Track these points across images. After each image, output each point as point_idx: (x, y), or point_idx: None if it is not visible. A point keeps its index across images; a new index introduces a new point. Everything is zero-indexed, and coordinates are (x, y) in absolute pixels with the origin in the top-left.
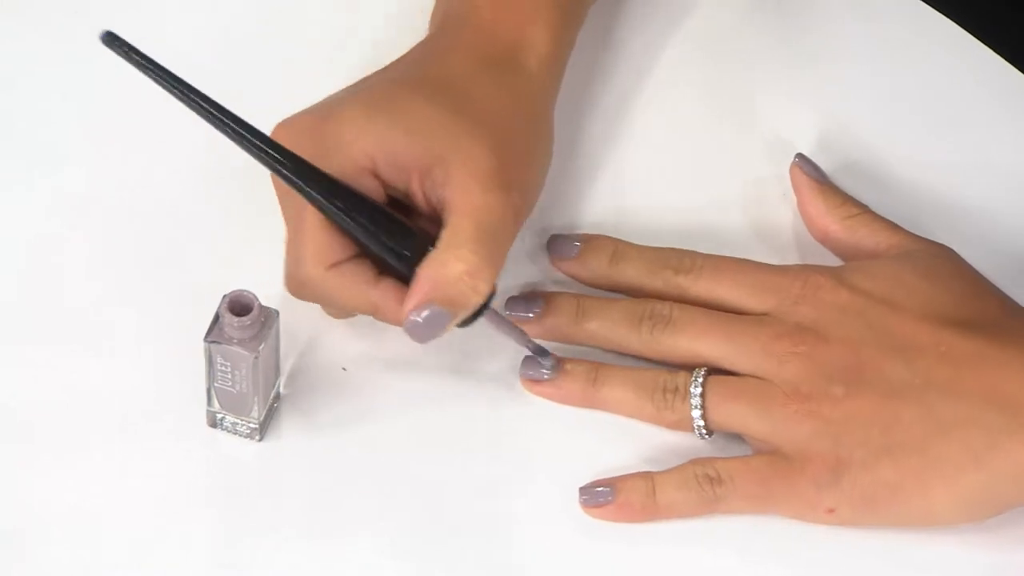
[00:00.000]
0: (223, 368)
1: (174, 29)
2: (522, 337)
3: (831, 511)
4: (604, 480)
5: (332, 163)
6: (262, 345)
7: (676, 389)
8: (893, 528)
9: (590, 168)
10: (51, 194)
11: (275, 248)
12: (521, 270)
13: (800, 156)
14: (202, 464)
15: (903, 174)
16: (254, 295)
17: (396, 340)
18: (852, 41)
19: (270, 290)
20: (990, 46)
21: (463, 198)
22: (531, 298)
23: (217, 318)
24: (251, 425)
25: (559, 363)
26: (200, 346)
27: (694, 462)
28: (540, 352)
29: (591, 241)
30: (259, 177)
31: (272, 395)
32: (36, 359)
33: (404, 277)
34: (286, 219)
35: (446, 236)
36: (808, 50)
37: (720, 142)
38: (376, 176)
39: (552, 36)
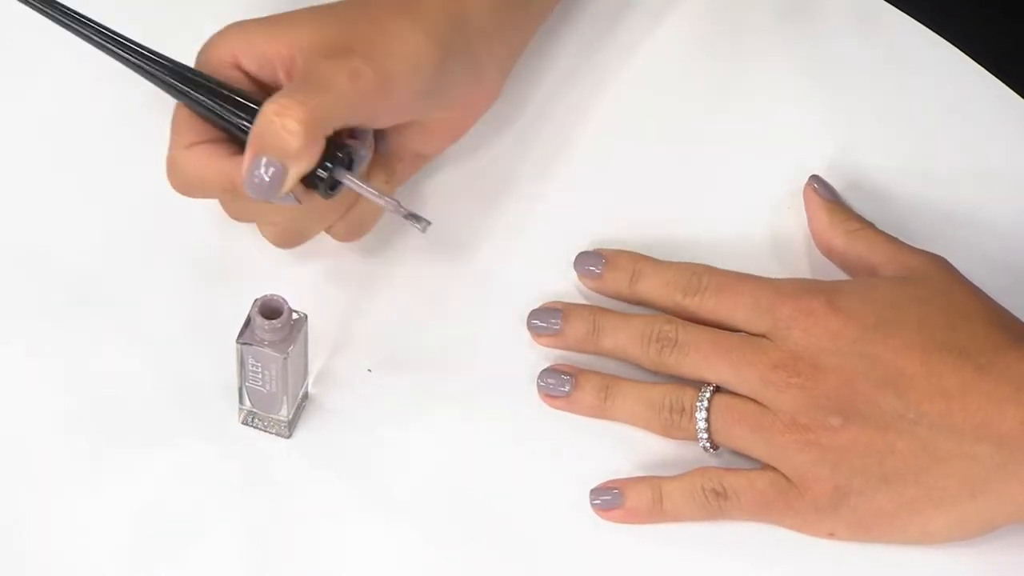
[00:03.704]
0: (254, 368)
1: None
2: (393, 204)
3: (830, 533)
4: (614, 483)
5: (202, 62)
6: (291, 347)
7: (683, 409)
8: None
9: (611, 185)
10: (88, 195)
11: (305, 255)
12: (549, 282)
13: (815, 177)
14: (234, 459)
15: (909, 189)
16: (284, 299)
17: (418, 344)
18: (859, 62)
19: (300, 295)
20: (989, 68)
21: (302, 66)
22: (550, 312)
23: (249, 321)
24: (280, 423)
25: (574, 377)
26: (233, 347)
27: (702, 473)
28: (413, 217)
29: (613, 260)
30: None
31: (300, 394)
32: (75, 359)
33: None
34: None
35: None
36: (817, 69)
37: (735, 161)
38: (240, 70)
39: None
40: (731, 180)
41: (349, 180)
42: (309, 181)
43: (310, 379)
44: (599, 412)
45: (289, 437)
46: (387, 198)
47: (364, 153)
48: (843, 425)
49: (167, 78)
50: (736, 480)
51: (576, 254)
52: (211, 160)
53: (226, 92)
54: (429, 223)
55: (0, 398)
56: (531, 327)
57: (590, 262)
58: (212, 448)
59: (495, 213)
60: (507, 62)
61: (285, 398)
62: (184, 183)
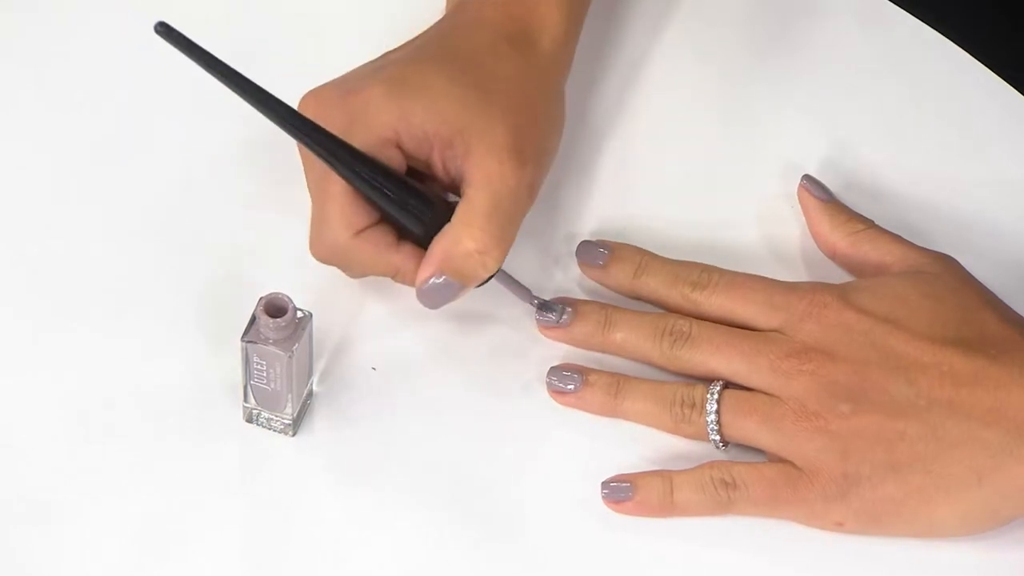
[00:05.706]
0: (259, 367)
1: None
2: (527, 295)
3: (839, 524)
4: (625, 476)
5: (356, 136)
6: (296, 345)
7: (693, 404)
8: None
9: (611, 185)
10: (95, 192)
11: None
12: (551, 275)
13: (806, 177)
14: (238, 457)
15: (908, 188)
16: (289, 298)
17: (423, 342)
18: (858, 61)
19: (305, 293)
20: (988, 65)
21: (480, 171)
22: (560, 305)
23: (254, 319)
24: (285, 421)
25: (583, 374)
26: (238, 345)
27: (711, 465)
28: (546, 307)
29: (618, 252)
30: (298, 188)
31: (305, 393)
32: (78, 357)
33: (423, 243)
34: (311, 188)
35: (461, 210)
36: (816, 69)
37: (733, 160)
38: (399, 148)
39: (563, 16)
40: (731, 180)
41: (500, 274)
42: None
43: (314, 377)
44: (609, 409)
45: (293, 435)
46: (525, 291)
47: None
48: (853, 412)
49: (342, 164)
50: (745, 470)
51: (579, 243)
52: (379, 250)
53: (409, 185)
54: (564, 313)
55: (2, 395)
56: (540, 320)
57: (594, 252)
58: (216, 446)
59: None
60: None
61: (289, 396)
62: (340, 262)
